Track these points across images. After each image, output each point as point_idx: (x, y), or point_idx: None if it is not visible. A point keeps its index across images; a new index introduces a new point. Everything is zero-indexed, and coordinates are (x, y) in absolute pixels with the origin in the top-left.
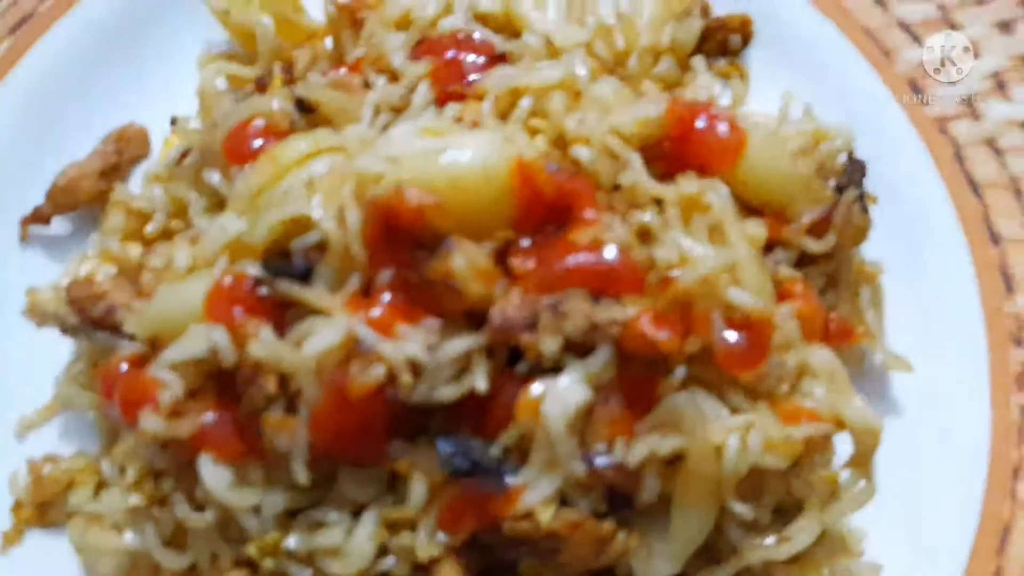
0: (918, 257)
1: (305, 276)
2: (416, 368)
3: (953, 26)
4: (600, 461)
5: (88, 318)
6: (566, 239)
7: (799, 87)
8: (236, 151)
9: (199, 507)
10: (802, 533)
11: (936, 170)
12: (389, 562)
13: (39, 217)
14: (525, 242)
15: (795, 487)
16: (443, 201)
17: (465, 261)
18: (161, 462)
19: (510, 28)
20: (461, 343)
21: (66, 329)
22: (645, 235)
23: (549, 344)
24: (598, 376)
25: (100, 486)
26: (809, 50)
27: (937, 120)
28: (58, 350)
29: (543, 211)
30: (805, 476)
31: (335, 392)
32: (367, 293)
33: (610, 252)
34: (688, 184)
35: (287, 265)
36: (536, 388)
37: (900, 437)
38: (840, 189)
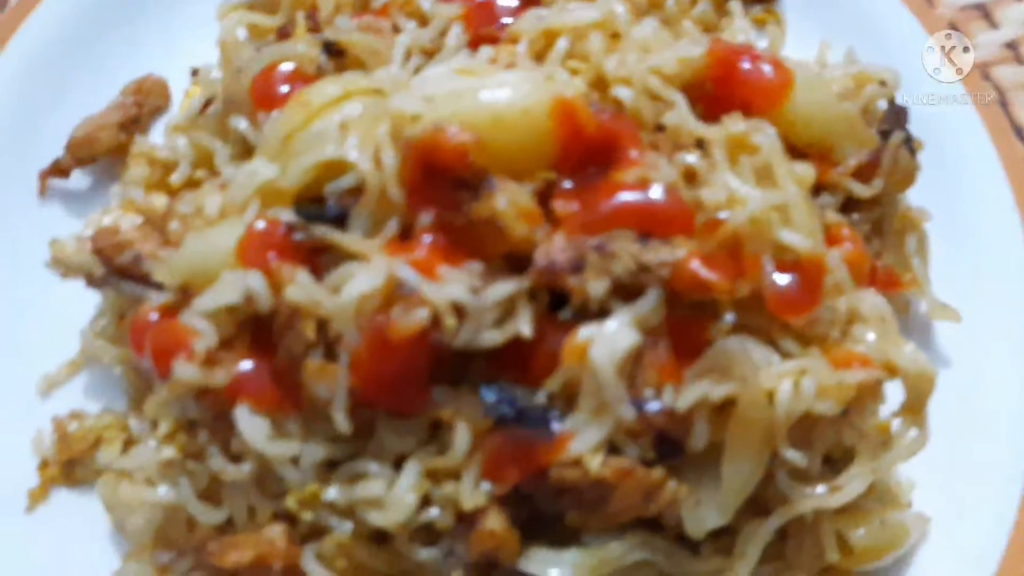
0: (961, 204)
1: (340, 221)
2: (460, 311)
3: None
4: (650, 406)
5: (114, 268)
6: (610, 180)
7: (835, 34)
8: (264, 96)
9: (235, 459)
10: (854, 482)
11: (979, 116)
12: (432, 513)
13: (58, 170)
14: (567, 184)
15: (846, 435)
16: (483, 140)
17: (509, 200)
18: (195, 413)
19: None
20: (505, 287)
21: (92, 281)
22: (691, 177)
23: (596, 287)
24: (647, 319)
25: (128, 443)
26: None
27: (980, 65)
28: (81, 305)
29: (585, 151)
30: (856, 424)
31: (376, 337)
32: (405, 237)
33: (657, 191)
34: (735, 124)
35: (321, 210)
36: (583, 332)
37: (944, 387)
38: (884, 134)
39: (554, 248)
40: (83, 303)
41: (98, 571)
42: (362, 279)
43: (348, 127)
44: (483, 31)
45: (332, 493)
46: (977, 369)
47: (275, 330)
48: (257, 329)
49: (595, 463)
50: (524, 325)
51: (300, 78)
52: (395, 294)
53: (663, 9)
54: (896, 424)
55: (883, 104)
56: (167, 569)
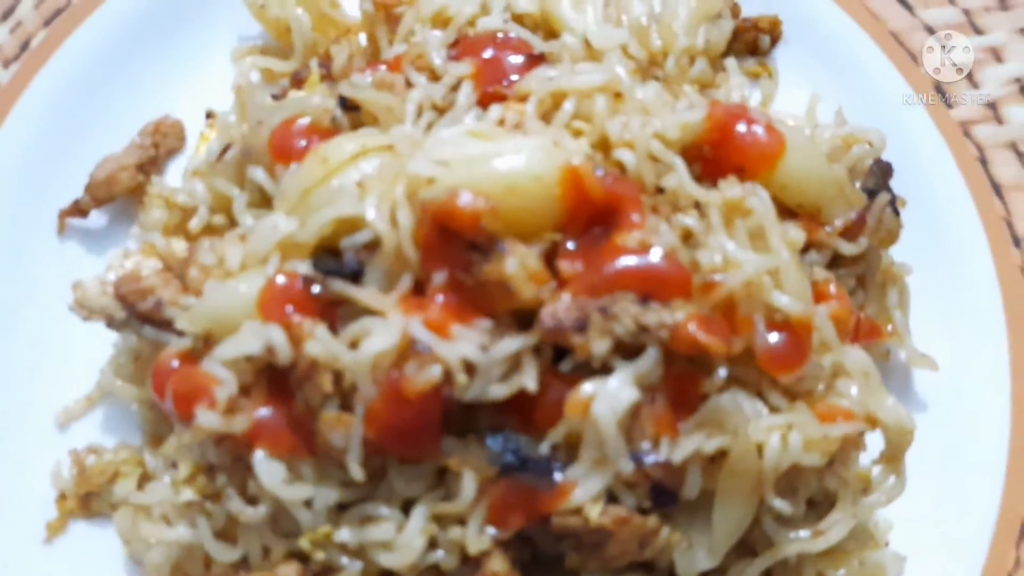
0: (942, 258)
1: (356, 276)
2: (470, 368)
3: (977, 31)
4: (648, 459)
5: (136, 313)
6: (612, 242)
7: (825, 87)
8: (282, 149)
9: (251, 501)
10: (836, 527)
11: (960, 173)
12: (438, 555)
13: (78, 210)
14: (571, 244)
15: (829, 482)
16: (495, 205)
17: (518, 263)
18: (214, 458)
19: (547, 28)
20: (512, 343)
21: (112, 323)
22: (688, 237)
23: (599, 346)
24: (646, 376)
25: (144, 478)
26: (835, 50)
27: (961, 123)
28: (99, 341)
29: (590, 214)
30: (839, 472)
31: (391, 391)
32: (418, 291)
33: (657, 255)
34: (731, 189)
35: (338, 264)
36: (586, 388)
37: (923, 431)
38: (870, 193)
39: (560, 308)
40: (101, 340)
41: None
42: (379, 338)
43: (365, 186)
44: (492, 88)
45: (344, 535)
46: (953, 414)
47: (293, 381)
48: (274, 377)
49: (595, 512)
50: (530, 380)
51: (317, 132)
52: (409, 351)
53: (662, 68)
54: (876, 472)
55: (869, 161)
56: None
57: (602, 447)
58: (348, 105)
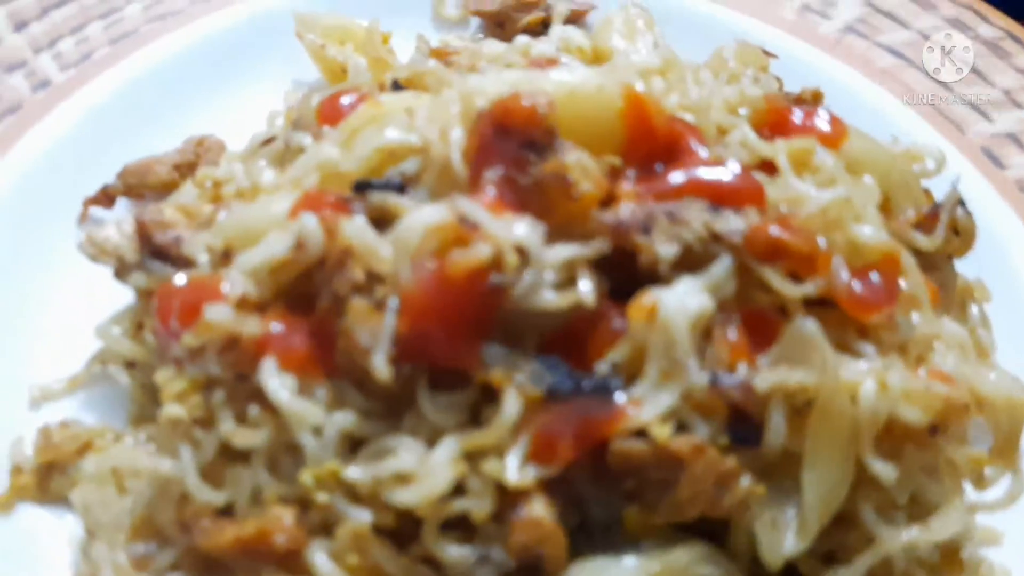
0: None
1: (399, 191)
2: (523, 255)
3: (1019, 106)
4: (726, 379)
5: (152, 246)
6: (678, 164)
7: None
8: (331, 113)
9: None
10: (948, 518)
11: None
12: (468, 503)
13: (105, 196)
14: (631, 174)
15: (938, 462)
16: (556, 109)
17: (578, 159)
18: (215, 367)
19: (598, 62)
20: (568, 249)
21: (122, 268)
22: None
23: (666, 248)
24: (719, 287)
25: None
26: (876, 120)
27: (1017, 182)
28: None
29: (653, 143)
30: (944, 449)
31: (431, 276)
32: None
33: (730, 170)
34: (800, 140)
35: (381, 183)
36: (653, 294)
37: None
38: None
39: (622, 211)
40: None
41: None
42: (429, 211)
43: (413, 111)
44: None
45: (354, 472)
46: None
47: (320, 280)
48: (293, 298)
49: (664, 432)
50: (587, 292)
51: (365, 100)
52: (457, 238)
53: None
54: (988, 472)
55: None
56: (145, 563)
57: (671, 354)
58: (400, 86)
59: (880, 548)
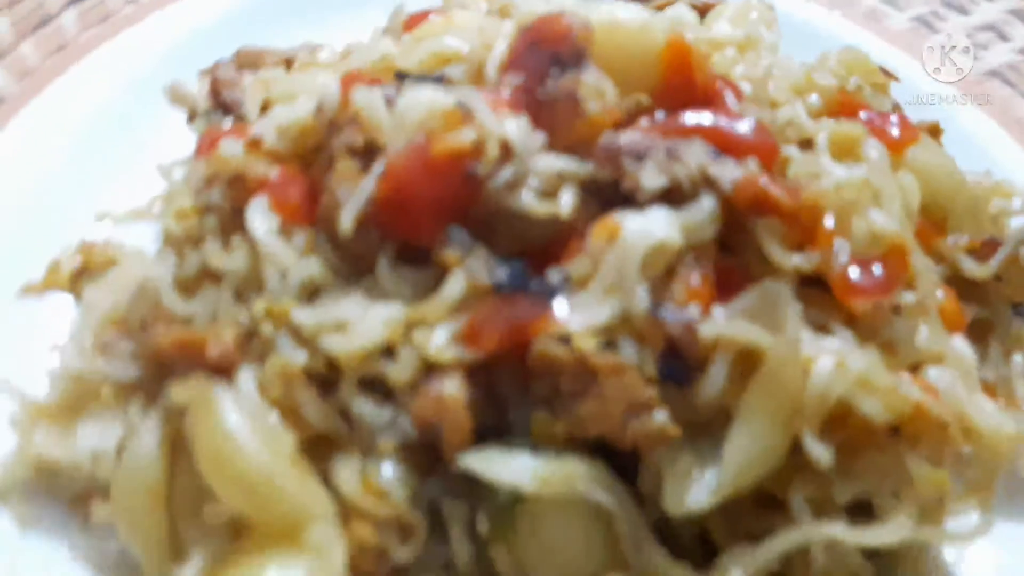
0: None
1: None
2: (507, 151)
3: None
4: (668, 313)
5: (218, 101)
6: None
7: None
8: (414, 26)
9: None
10: (886, 528)
11: None
12: (388, 366)
13: (213, 77)
14: (659, 115)
15: (898, 472)
16: (595, 36)
17: (595, 81)
18: (217, 196)
19: None
20: (558, 161)
21: (192, 115)
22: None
23: (651, 178)
24: (695, 229)
25: None
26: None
27: None
28: None
29: (688, 97)
30: (906, 461)
31: (418, 152)
32: None
33: (747, 124)
34: (849, 125)
35: (419, 74)
36: (621, 214)
37: None
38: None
39: (621, 136)
40: None
41: None
42: (432, 93)
43: (466, 26)
44: None
45: (303, 315)
46: None
47: (325, 139)
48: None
49: (588, 343)
50: (565, 204)
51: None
52: (455, 122)
53: None
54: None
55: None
56: (107, 349)
57: (617, 273)
58: None
59: (796, 535)
